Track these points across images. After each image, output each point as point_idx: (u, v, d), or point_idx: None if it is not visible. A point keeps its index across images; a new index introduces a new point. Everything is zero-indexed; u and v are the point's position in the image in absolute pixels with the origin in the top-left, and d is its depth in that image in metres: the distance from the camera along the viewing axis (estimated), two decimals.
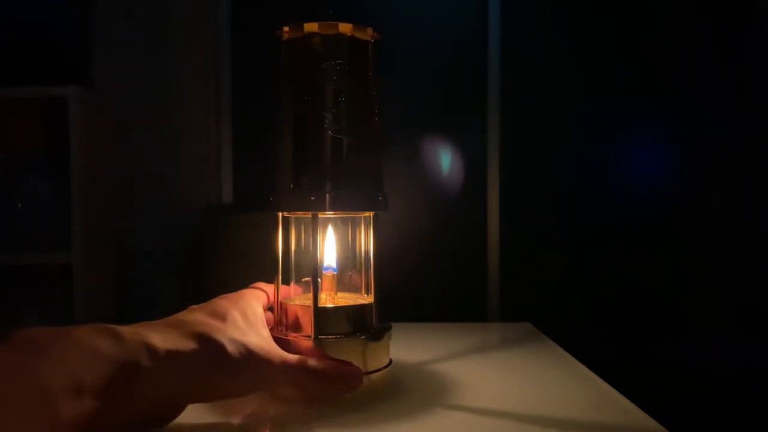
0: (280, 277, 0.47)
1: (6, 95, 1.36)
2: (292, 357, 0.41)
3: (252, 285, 0.48)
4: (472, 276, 1.71)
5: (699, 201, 1.70)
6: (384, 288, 0.48)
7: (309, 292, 0.48)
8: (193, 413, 0.39)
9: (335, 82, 0.45)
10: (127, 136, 1.63)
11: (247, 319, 0.41)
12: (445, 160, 1.72)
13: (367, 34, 0.46)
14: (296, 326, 0.45)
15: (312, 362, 0.42)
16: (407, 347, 0.60)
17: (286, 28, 0.46)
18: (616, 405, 0.45)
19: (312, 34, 0.45)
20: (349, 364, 0.43)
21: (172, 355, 0.35)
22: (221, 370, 0.38)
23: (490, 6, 1.69)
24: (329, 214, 0.47)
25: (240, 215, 1.44)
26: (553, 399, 0.46)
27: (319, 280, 0.48)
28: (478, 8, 1.71)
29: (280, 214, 0.47)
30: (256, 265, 0.50)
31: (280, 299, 0.47)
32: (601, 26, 1.72)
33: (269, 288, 0.48)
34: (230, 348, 0.38)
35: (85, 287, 1.34)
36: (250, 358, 0.39)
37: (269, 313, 0.48)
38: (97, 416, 0.31)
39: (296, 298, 0.48)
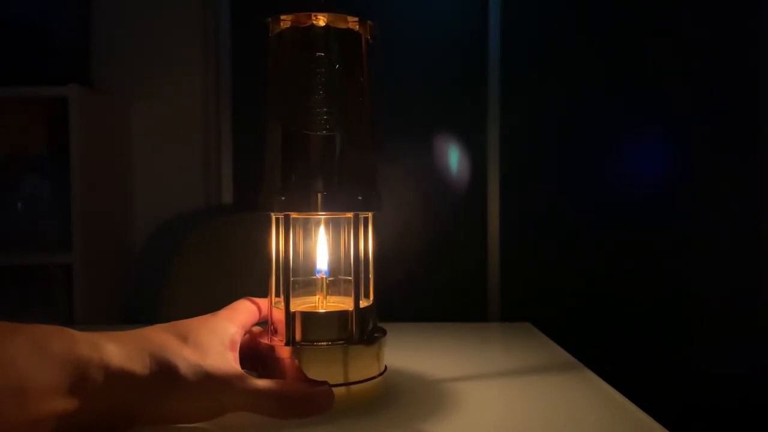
0: (273, 279, 0.45)
1: (6, 95, 1.37)
2: (255, 381, 0.39)
3: (245, 298, 0.46)
4: (472, 276, 1.71)
5: (700, 204, 1.70)
6: (381, 291, 0.46)
7: (304, 295, 0.47)
8: None
9: (322, 76, 0.41)
10: (126, 136, 1.64)
11: (213, 340, 0.39)
12: (445, 159, 1.72)
13: (353, 25, 0.43)
14: (282, 331, 0.43)
15: (276, 386, 0.39)
16: (406, 349, 0.60)
17: (267, 20, 0.43)
18: (616, 406, 0.45)
19: (293, 27, 0.42)
20: (320, 384, 0.40)
21: (123, 371, 0.34)
22: (172, 391, 0.36)
23: (491, 6, 1.69)
24: (321, 214, 0.45)
25: (240, 215, 1.44)
26: (554, 401, 0.46)
27: (322, 280, 0.48)
28: (479, 8, 1.71)
29: (273, 214, 0.44)
30: (255, 265, 0.49)
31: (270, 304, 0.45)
32: (602, 26, 1.72)
33: (262, 301, 0.46)
34: (184, 370, 0.36)
35: (85, 287, 1.34)
36: (207, 381, 0.37)
37: (256, 329, 0.46)
38: (38, 419, 0.30)
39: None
